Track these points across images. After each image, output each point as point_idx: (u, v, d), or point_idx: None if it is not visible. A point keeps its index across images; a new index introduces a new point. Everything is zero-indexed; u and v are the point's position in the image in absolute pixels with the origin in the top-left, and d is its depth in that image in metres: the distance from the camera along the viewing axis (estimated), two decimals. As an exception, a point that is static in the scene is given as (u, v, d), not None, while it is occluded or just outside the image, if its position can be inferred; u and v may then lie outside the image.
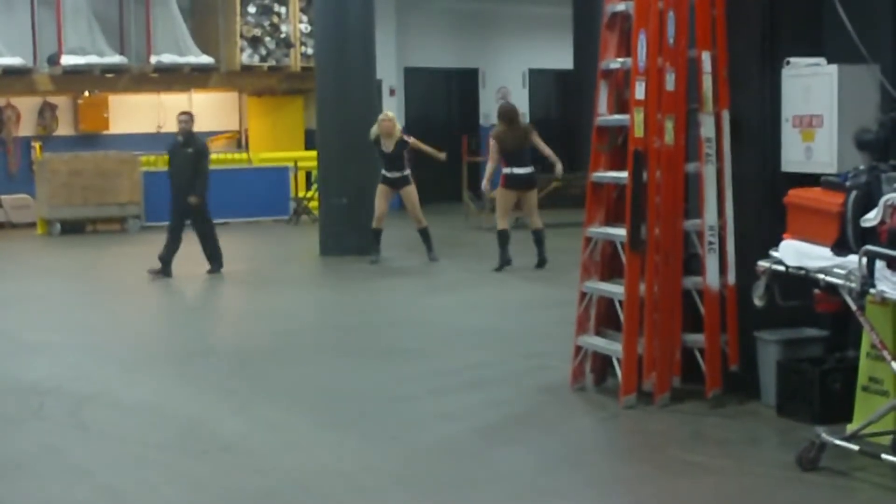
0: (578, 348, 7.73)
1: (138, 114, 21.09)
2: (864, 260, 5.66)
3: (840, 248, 5.90)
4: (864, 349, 6.36)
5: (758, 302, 6.42)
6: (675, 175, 7.27)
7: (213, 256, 13.83)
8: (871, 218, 5.77)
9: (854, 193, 5.90)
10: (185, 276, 13.58)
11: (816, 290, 6.16)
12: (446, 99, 24.36)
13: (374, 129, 14.36)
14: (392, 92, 22.73)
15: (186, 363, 9.10)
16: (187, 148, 13.61)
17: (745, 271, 6.99)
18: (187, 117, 13.84)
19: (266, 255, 16.31)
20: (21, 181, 20.16)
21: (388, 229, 14.82)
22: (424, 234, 14.62)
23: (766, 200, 7.19)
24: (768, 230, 6.83)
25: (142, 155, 19.53)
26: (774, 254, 6.32)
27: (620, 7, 7.51)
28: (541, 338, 9.67)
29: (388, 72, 21.98)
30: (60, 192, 18.68)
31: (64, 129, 20.87)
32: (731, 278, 7.27)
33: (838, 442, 5.88)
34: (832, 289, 5.93)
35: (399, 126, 14.58)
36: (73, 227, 18.95)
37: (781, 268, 6.21)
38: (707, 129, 7.26)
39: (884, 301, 5.78)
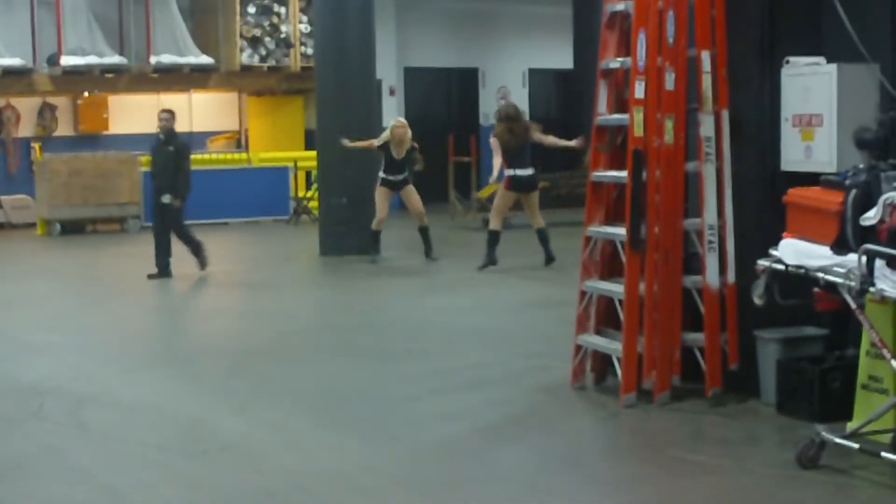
0: (578, 347, 7.73)
1: (138, 114, 21.05)
2: (864, 258, 5.66)
3: (839, 246, 5.90)
4: (864, 347, 6.36)
5: (757, 301, 6.42)
6: (674, 174, 7.28)
7: (197, 253, 13.71)
8: (871, 217, 5.77)
9: (853, 192, 5.90)
10: (185, 276, 13.58)
11: (816, 289, 6.16)
12: (446, 98, 24.36)
13: (386, 135, 14.34)
14: (392, 91, 22.73)
15: (186, 363, 9.10)
16: (168, 146, 13.50)
17: (744, 270, 6.99)
18: (168, 115, 13.71)
19: (266, 255, 16.31)
20: (21, 182, 20.17)
21: (388, 229, 14.84)
22: (425, 233, 14.62)
23: (766, 199, 7.19)
24: (768, 229, 6.83)
25: (141, 155, 19.48)
26: (774, 253, 6.32)
27: (620, 6, 7.51)
28: (541, 337, 9.67)
29: (388, 71, 21.98)
30: (60, 192, 18.68)
31: (64, 129, 20.88)
32: (731, 277, 7.28)
33: (838, 440, 5.88)
34: (832, 287, 5.94)
35: (409, 132, 14.58)
36: (72, 228, 18.96)
37: (781, 267, 6.21)
38: (706, 128, 7.26)
39: (883, 299, 5.78)
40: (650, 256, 7.24)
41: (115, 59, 20.06)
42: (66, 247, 17.51)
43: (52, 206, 18.76)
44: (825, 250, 5.96)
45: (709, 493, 5.80)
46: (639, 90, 7.19)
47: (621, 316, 7.35)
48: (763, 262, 6.35)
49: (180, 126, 21.39)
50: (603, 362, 7.74)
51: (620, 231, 7.37)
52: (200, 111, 22.15)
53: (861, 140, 6.32)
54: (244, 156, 21.25)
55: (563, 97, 24.60)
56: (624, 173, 7.31)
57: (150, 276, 13.43)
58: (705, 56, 7.24)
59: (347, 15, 15.42)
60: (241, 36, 20.80)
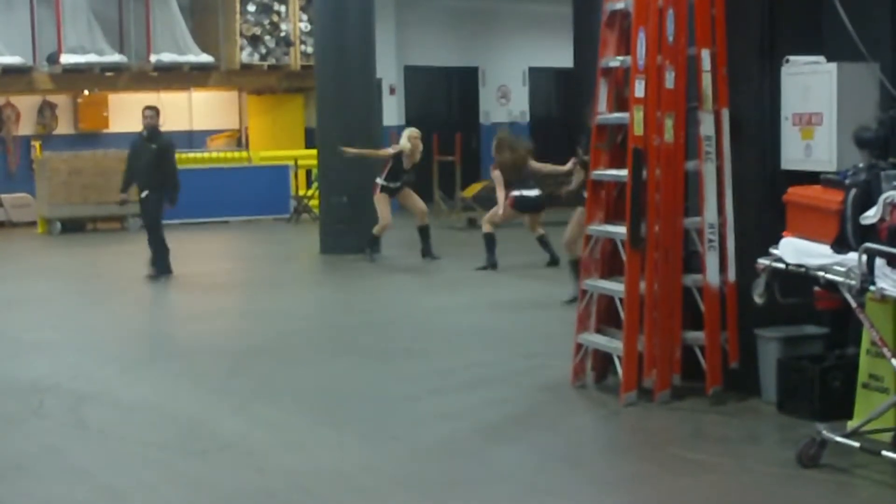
0: (579, 346, 7.73)
1: (138, 112, 20.89)
2: (864, 257, 5.66)
3: (840, 245, 5.90)
4: (864, 346, 6.37)
5: (758, 299, 6.42)
6: (674, 173, 7.27)
7: (158, 259, 13.33)
8: (871, 215, 5.77)
9: (853, 191, 5.90)
10: (185, 275, 13.57)
11: (816, 288, 6.16)
12: (446, 97, 24.36)
13: (404, 144, 14.32)
14: (392, 90, 22.74)
15: (186, 362, 9.09)
16: (151, 144, 13.30)
17: (745, 269, 6.99)
18: (153, 112, 13.50)
19: (266, 253, 16.31)
20: (21, 180, 20.18)
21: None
22: (425, 232, 14.64)
23: (766, 198, 7.19)
24: (768, 228, 6.83)
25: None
26: (774, 251, 6.32)
27: (620, 5, 7.50)
28: (541, 336, 9.67)
29: (388, 70, 21.98)
30: (60, 190, 18.69)
31: (64, 127, 20.88)
32: (731, 276, 7.28)
33: (839, 439, 5.88)
34: (832, 286, 5.94)
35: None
36: (73, 226, 18.96)
37: (781, 265, 6.21)
38: (706, 127, 7.26)
39: (883, 298, 5.78)
40: (650, 255, 7.23)
41: (115, 57, 20.06)
42: (67, 245, 17.52)
43: (53, 204, 18.76)
44: (825, 249, 5.96)
45: (709, 491, 5.80)
46: (639, 89, 7.19)
47: (622, 314, 7.35)
48: (763, 261, 6.35)
49: (181, 124, 21.69)
50: (603, 361, 7.75)
51: (621, 230, 7.37)
52: (200, 110, 22.17)
53: (861, 139, 6.32)
54: (244, 154, 21.25)
55: (563, 96, 24.60)
56: (624, 172, 7.30)
57: (149, 276, 13.38)
58: (705, 55, 7.23)
59: (347, 13, 15.43)
60: (241, 34, 20.80)
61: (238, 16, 20.72)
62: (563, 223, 11.67)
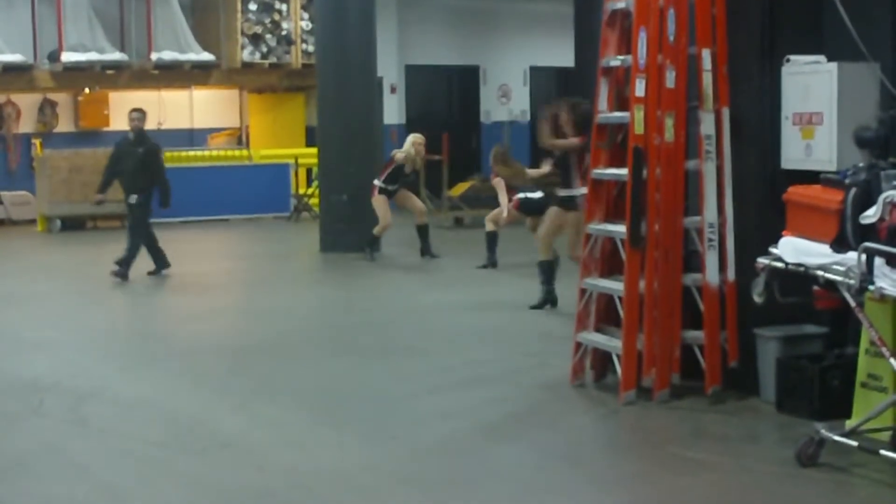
0: (578, 345, 7.73)
1: (138, 111, 21.07)
2: (864, 257, 5.66)
3: (839, 244, 5.90)
4: (863, 346, 6.37)
5: (757, 299, 6.43)
6: (674, 172, 7.28)
7: (125, 262, 13.13)
8: (871, 215, 5.78)
9: (853, 191, 5.90)
10: (185, 274, 13.58)
11: (816, 287, 6.17)
12: (447, 96, 24.35)
13: (411, 150, 14.42)
14: (393, 89, 22.73)
15: (186, 360, 9.10)
16: (138, 147, 13.18)
17: (744, 268, 6.99)
18: (139, 115, 13.37)
19: (266, 252, 16.31)
20: (21, 178, 20.17)
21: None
22: (424, 231, 14.67)
23: (766, 198, 7.19)
24: (768, 227, 6.83)
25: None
26: (774, 251, 6.32)
27: (621, 4, 7.51)
28: (540, 335, 9.68)
29: (389, 69, 21.97)
30: (61, 188, 18.68)
31: (64, 125, 20.87)
32: (731, 275, 7.28)
33: (837, 438, 5.88)
34: (831, 286, 5.95)
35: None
36: (73, 224, 18.96)
37: (781, 265, 6.22)
38: (707, 126, 7.26)
39: (883, 298, 5.78)
40: (650, 254, 7.24)
41: (116, 55, 20.06)
42: (67, 243, 17.52)
43: (53, 202, 18.76)
44: (825, 248, 5.97)
45: (708, 490, 5.81)
46: (639, 88, 7.19)
47: (621, 313, 7.35)
48: (763, 260, 6.36)
49: (182, 123, 21.70)
50: (603, 360, 7.75)
51: (620, 229, 7.37)
52: (201, 108, 22.17)
53: (861, 138, 6.33)
54: (245, 153, 21.25)
55: (564, 95, 24.55)
56: (624, 171, 7.31)
57: (150, 273, 13.40)
58: (706, 54, 7.24)
59: (349, 12, 15.43)
60: (243, 33, 20.79)
61: (239, 14, 20.71)
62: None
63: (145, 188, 13.21)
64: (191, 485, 6.06)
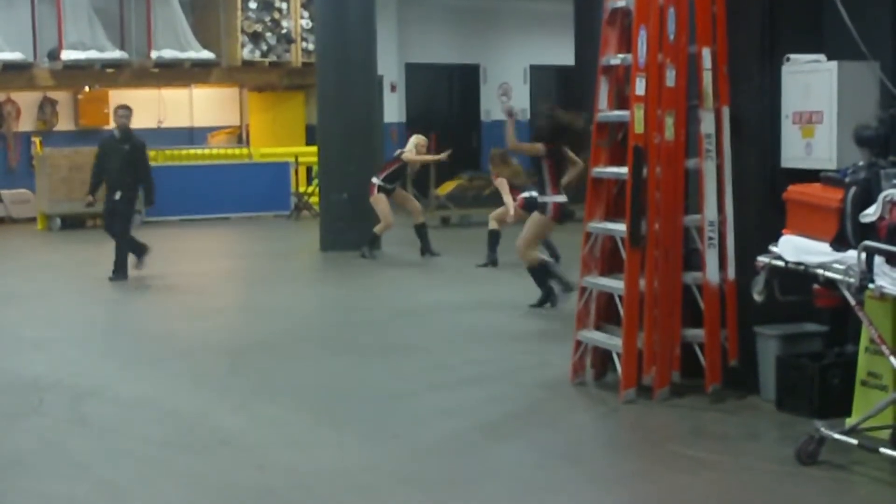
0: (578, 343, 7.74)
1: (139, 109, 20.90)
2: (864, 255, 5.67)
3: (839, 243, 5.90)
4: (863, 344, 6.37)
5: (757, 297, 6.43)
6: (675, 171, 7.28)
7: (119, 264, 13.06)
8: (871, 213, 5.78)
9: (853, 189, 5.91)
10: (185, 273, 13.58)
11: (816, 286, 6.17)
12: (447, 95, 24.35)
13: (411, 147, 14.52)
14: (393, 88, 22.74)
15: (186, 359, 9.10)
16: (124, 144, 13.04)
17: (744, 267, 7.00)
18: (126, 112, 13.23)
19: (266, 250, 16.31)
20: (21, 176, 20.19)
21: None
22: (422, 230, 14.70)
23: (766, 196, 7.19)
24: (768, 226, 6.83)
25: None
26: (774, 249, 6.32)
27: (621, 3, 7.51)
28: (540, 334, 9.68)
29: (389, 67, 21.98)
30: (60, 187, 18.68)
31: (64, 124, 20.89)
32: (731, 273, 7.28)
33: (837, 436, 5.89)
34: (831, 284, 5.95)
35: None
36: (73, 222, 18.96)
37: (781, 263, 6.22)
38: (707, 125, 7.26)
39: (882, 296, 5.78)
40: (650, 253, 7.24)
41: (116, 53, 20.07)
42: (67, 241, 17.52)
43: (53, 200, 18.77)
44: (825, 247, 5.97)
45: (708, 488, 5.81)
46: (639, 87, 7.19)
47: (621, 312, 7.35)
48: (763, 259, 6.36)
49: (182, 121, 21.70)
50: (603, 358, 7.75)
51: (621, 227, 7.37)
52: (201, 106, 22.18)
53: (861, 137, 6.32)
54: (245, 151, 21.26)
55: (564, 94, 24.57)
56: (624, 170, 7.31)
57: (135, 267, 13.22)
58: (706, 53, 7.24)
59: (349, 11, 15.43)
60: (243, 31, 20.80)
61: (239, 12, 20.72)
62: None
63: (131, 185, 13.07)
64: (191, 484, 6.06)
